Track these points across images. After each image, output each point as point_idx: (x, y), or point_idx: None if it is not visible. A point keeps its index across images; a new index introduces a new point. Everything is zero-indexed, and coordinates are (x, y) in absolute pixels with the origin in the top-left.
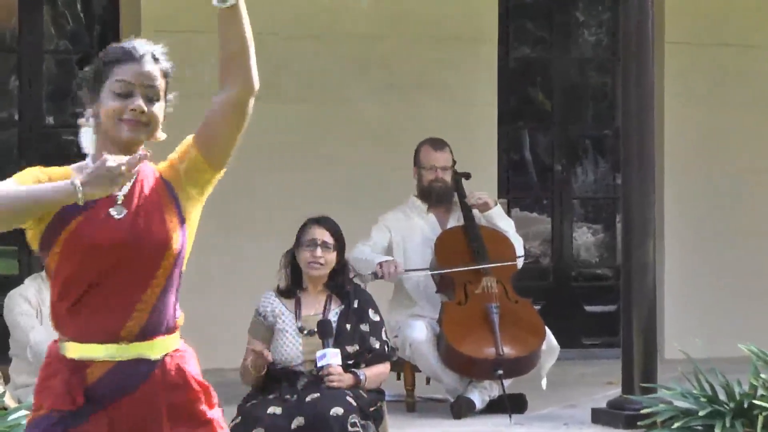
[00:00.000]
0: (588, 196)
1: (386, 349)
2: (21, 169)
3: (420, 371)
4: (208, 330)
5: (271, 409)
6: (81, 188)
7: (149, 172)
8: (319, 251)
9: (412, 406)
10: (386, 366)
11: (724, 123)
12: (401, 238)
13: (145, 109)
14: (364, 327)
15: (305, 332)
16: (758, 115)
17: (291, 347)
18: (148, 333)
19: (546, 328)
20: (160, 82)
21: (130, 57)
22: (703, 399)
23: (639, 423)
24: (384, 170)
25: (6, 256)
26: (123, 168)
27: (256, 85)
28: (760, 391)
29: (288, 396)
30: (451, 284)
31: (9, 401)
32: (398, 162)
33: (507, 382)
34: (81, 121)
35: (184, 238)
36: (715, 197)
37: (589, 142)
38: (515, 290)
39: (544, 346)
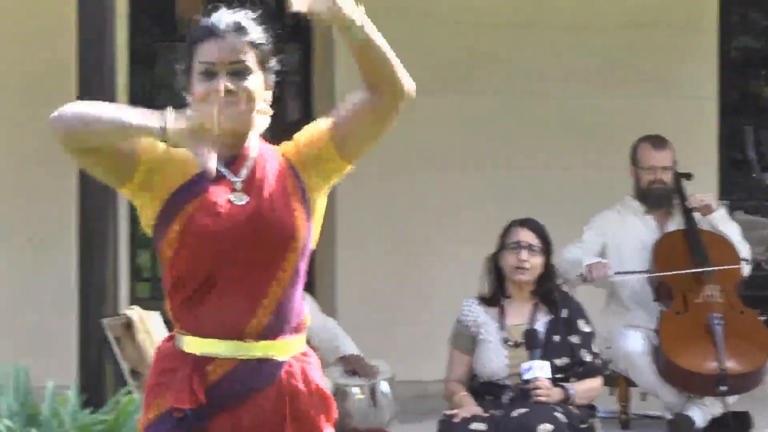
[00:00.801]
0: None
1: (598, 362)
2: None
3: (635, 386)
4: (408, 341)
5: (474, 425)
6: (169, 129)
7: (271, 153)
8: (524, 254)
9: (626, 423)
10: (598, 380)
11: None
12: (616, 241)
13: (232, 87)
14: (574, 338)
15: (510, 343)
16: None
17: (495, 359)
18: (273, 332)
19: None
20: (249, 55)
21: (212, 33)
22: None
23: None
24: (591, 169)
25: None
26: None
27: (408, 89)
28: None
29: (493, 411)
30: (669, 292)
31: None
32: (607, 161)
33: (730, 399)
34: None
35: (309, 229)
36: None
37: None
38: (741, 300)
39: None
